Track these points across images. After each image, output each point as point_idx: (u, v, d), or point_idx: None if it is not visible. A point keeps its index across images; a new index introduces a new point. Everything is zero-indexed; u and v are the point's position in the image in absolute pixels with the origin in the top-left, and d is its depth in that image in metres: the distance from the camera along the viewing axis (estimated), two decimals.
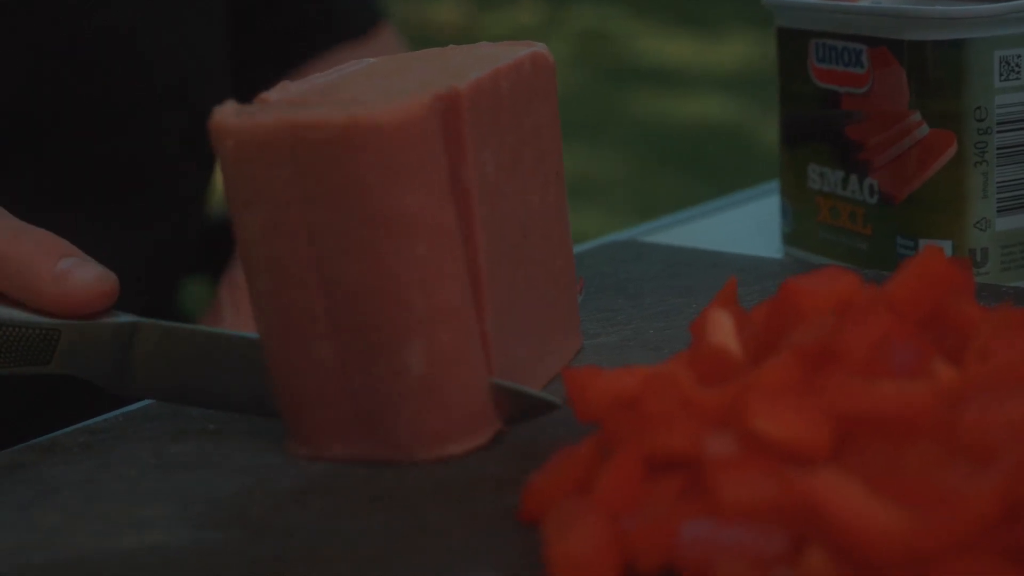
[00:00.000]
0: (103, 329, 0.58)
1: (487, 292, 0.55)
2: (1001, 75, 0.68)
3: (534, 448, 0.54)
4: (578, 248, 0.78)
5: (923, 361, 0.47)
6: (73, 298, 0.58)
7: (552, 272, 0.62)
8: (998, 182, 0.69)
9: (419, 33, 4.37)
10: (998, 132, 0.69)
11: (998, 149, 0.69)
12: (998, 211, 0.70)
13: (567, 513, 0.45)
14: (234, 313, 0.89)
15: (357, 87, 0.56)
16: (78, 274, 0.58)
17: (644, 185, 3.35)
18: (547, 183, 0.61)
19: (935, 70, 0.68)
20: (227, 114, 0.53)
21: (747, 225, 0.86)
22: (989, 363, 0.47)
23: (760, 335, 0.51)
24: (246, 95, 1.03)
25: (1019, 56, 0.68)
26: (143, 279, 0.97)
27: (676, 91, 4.09)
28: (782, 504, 0.43)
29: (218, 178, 1.07)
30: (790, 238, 0.79)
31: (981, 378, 0.46)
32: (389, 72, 0.58)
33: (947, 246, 0.70)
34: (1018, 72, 0.69)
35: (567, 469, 0.48)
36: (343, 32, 1.04)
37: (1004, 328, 0.48)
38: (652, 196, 3.25)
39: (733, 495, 0.43)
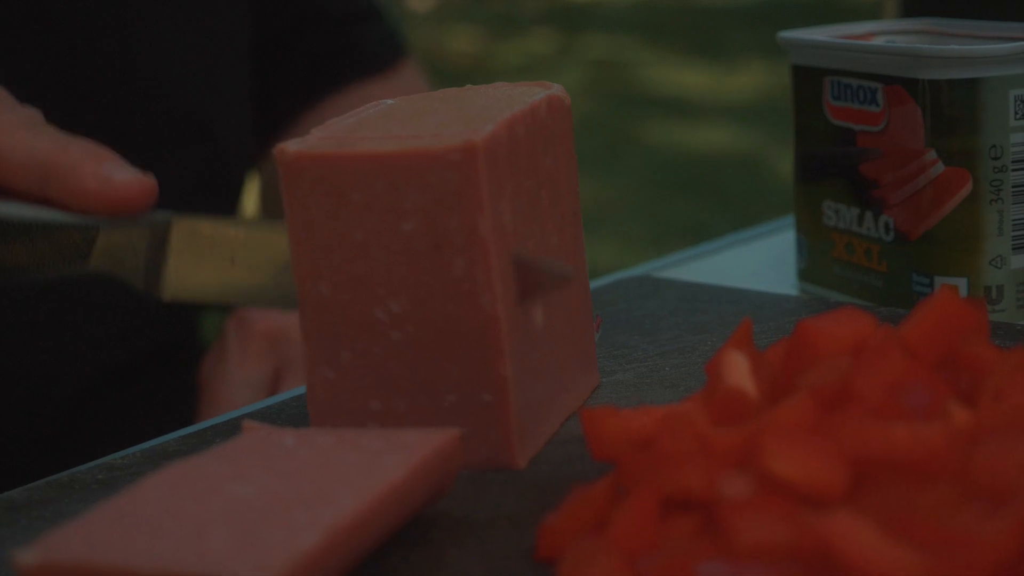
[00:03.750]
0: (139, 225, 0.61)
1: (504, 336, 0.55)
2: (1016, 114, 0.69)
3: (551, 486, 0.54)
4: (593, 284, 0.78)
5: (938, 403, 0.47)
6: (114, 194, 0.61)
7: (569, 311, 0.62)
8: (1013, 220, 0.70)
9: (435, 62, 4.38)
10: (1013, 170, 0.69)
11: (1013, 187, 0.69)
12: (1013, 248, 0.70)
13: (583, 553, 0.45)
14: (240, 349, 0.90)
15: (378, 131, 0.57)
16: (119, 174, 0.61)
17: (658, 214, 3.36)
18: (563, 223, 0.61)
19: (950, 109, 0.69)
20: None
21: (763, 260, 0.87)
22: (1003, 405, 0.47)
23: (775, 376, 0.52)
24: (267, 129, 1.04)
25: None
26: (163, 311, 0.97)
27: (690, 120, 4.10)
28: (797, 546, 0.43)
29: (247, 208, 1.08)
30: (805, 274, 0.79)
31: (995, 420, 0.46)
32: (407, 115, 0.59)
33: (962, 283, 0.70)
34: None
35: (583, 508, 0.48)
36: (366, 67, 1.05)
37: (1018, 370, 0.48)
38: (666, 224, 3.26)
39: (748, 536, 0.43)
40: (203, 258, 0.61)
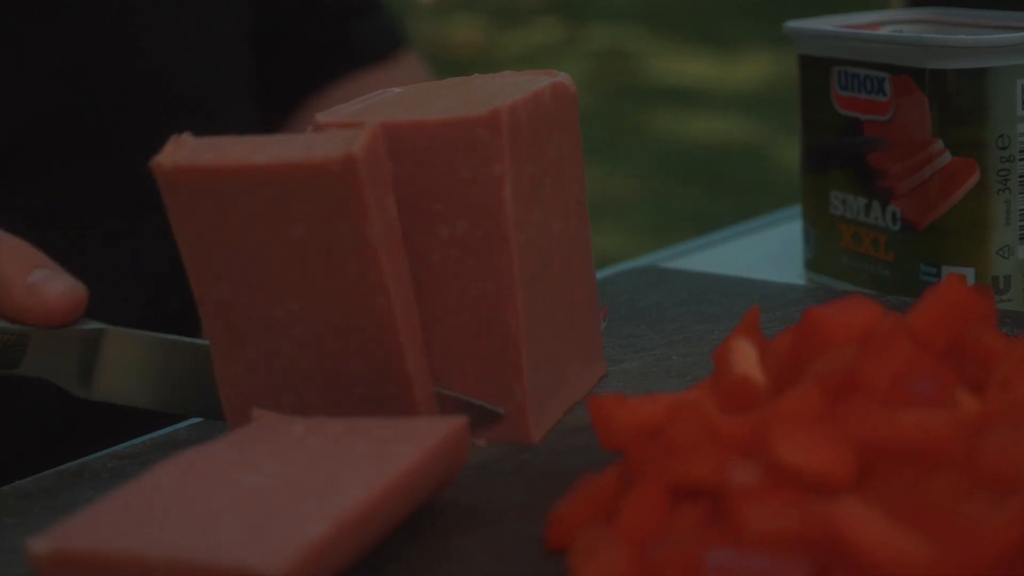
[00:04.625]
0: (70, 336, 0.61)
1: (402, 333, 0.55)
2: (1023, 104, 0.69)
3: (559, 475, 0.54)
4: (600, 274, 0.78)
5: (945, 391, 0.47)
6: (44, 309, 0.60)
7: (574, 299, 0.62)
8: (1021, 209, 0.70)
9: (438, 52, 4.38)
10: (1021, 160, 0.69)
11: (1021, 177, 0.69)
12: (1021, 238, 0.70)
13: (592, 541, 0.45)
14: None
15: (382, 116, 0.57)
16: (50, 286, 0.60)
17: (662, 204, 3.35)
18: (568, 212, 0.62)
19: (957, 98, 0.69)
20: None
21: (769, 250, 0.87)
22: (1010, 394, 0.47)
23: (783, 364, 0.52)
24: (269, 117, 1.04)
25: None
26: (156, 297, 0.97)
27: (694, 110, 4.09)
28: (805, 533, 0.43)
29: None
30: (812, 264, 0.79)
31: (1002, 409, 0.46)
32: (413, 102, 0.59)
33: (970, 273, 0.70)
34: None
35: (592, 497, 0.48)
36: (365, 56, 1.05)
37: None
38: (671, 215, 3.26)
39: (757, 524, 0.43)
40: (134, 370, 0.61)
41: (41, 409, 0.92)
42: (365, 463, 0.50)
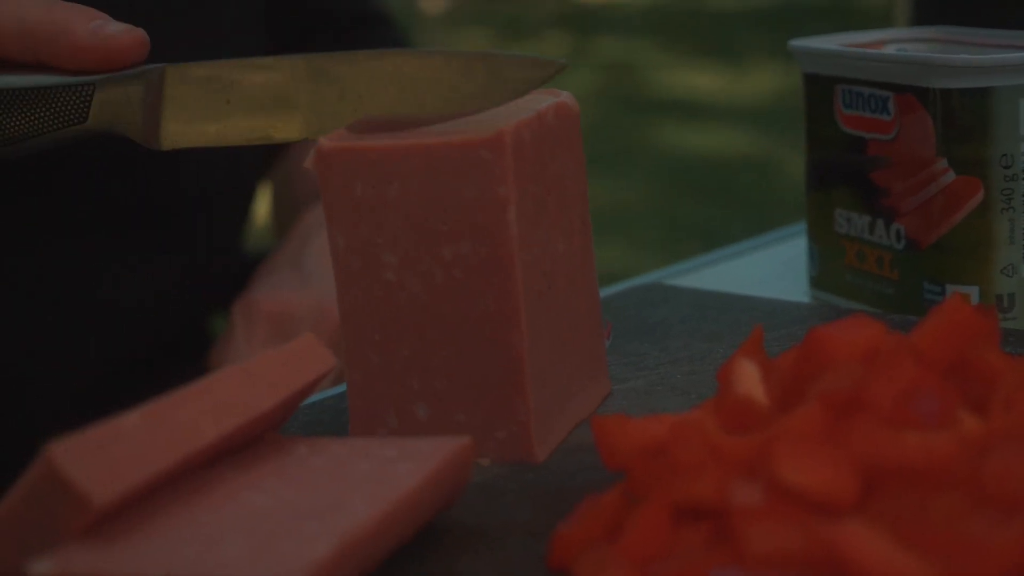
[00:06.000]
0: (134, 78, 0.62)
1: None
2: None
3: (563, 495, 0.54)
4: (604, 291, 0.79)
5: (948, 411, 0.47)
6: (108, 47, 0.61)
7: (578, 317, 0.62)
8: None
9: None
10: None
11: None
12: None
13: (595, 561, 0.45)
14: (247, 332, 0.89)
15: (388, 137, 0.57)
16: (112, 27, 0.61)
17: (670, 216, 3.36)
18: (571, 230, 0.62)
19: (961, 117, 0.69)
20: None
21: (774, 267, 0.87)
22: (1014, 413, 0.47)
23: (786, 383, 0.52)
24: None
25: None
26: (173, 307, 0.97)
27: (702, 123, 4.10)
28: (808, 553, 0.43)
29: (257, 211, 1.09)
30: (817, 281, 0.79)
31: (1006, 428, 0.46)
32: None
33: (974, 292, 0.70)
34: None
35: (595, 517, 0.48)
36: None
37: None
38: (678, 228, 3.26)
39: (759, 544, 0.43)
40: (198, 103, 0.62)
41: (41, 417, 0.92)
42: (369, 482, 0.50)
